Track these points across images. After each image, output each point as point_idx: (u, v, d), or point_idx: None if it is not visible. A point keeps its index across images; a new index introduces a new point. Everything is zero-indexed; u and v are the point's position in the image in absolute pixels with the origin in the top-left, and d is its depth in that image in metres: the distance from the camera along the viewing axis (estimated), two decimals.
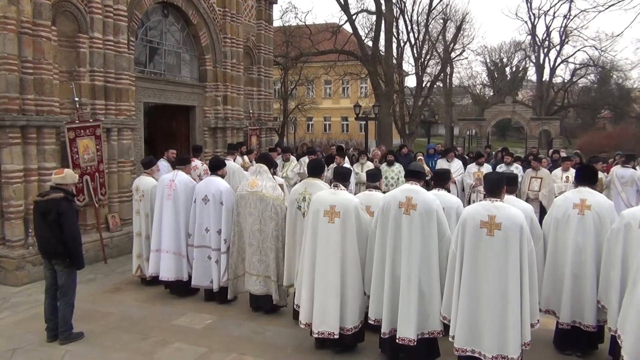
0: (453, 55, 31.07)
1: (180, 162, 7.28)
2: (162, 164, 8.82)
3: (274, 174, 6.35)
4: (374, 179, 5.46)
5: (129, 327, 5.69)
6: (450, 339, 4.25)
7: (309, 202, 5.24)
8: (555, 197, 6.66)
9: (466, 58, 57.31)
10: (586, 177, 5.10)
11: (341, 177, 5.15)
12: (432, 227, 4.44)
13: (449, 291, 4.32)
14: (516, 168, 10.54)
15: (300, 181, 6.19)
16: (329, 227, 4.79)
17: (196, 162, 8.77)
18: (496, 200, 4.15)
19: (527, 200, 9.39)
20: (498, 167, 10.81)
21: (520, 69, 44.72)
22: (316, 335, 4.81)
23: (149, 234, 6.93)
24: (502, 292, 3.99)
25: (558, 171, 9.99)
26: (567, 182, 9.47)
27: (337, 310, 4.70)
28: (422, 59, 28.32)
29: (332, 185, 5.06)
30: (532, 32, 39.70)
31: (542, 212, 8.81)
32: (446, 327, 4.41)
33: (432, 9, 27.70)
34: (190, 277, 6.53)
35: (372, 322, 4.65)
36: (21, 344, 5.21)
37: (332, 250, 4.77)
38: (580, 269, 4.78)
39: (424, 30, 27.93)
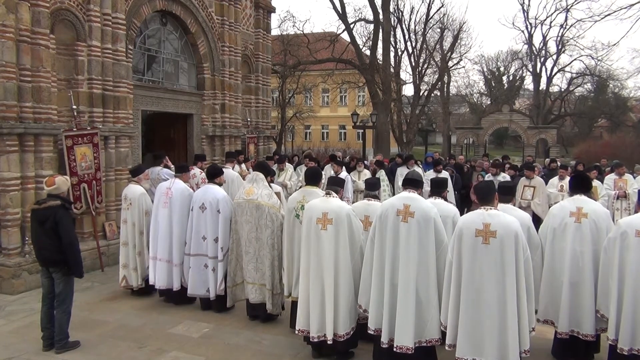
0: (450, 64, 31.19)
1: (179, 170, 7.28)
2: (165, 171, 8.82)
3: (271, 182, 6.36)
4: (373, 188, 5.44)
5: (126, 335, 5.67)
6: (447, 348, 4.24)
7: None
8: (551, 205, 6.67)
9: (463, 67, 57.44)
10: (580, 185, 5.12)
11: (334, 185, 5.17)
12: (430, 234, 4.44)
13: (446, 299, 4.32)
14: (503, 177, 10.59)
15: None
16: (321, 234, 4.80)
17: (195, 170, 8.77)
18: (490, 208, 4.17)
19: (520, 209, 9.42)
20: (486, 176, 11.02)
21: (517, 77, 44.91)
22: (315, 340, 4.81)
23: (135, 243, 6.88)
24: (500, 299, 4.00)
25: (555, 179, 10.04)
26: (562, 190, 9.50)
27: (330, 316, 4.71)
28: (420, 68, 28.47)
29: (325, 192, 5.08)
30: (529, 42, 40.04)
31: (534, 221, 8.84)
32: (443, 336, 4.40)
33: (430, 18, 27.91)
34: (181, 286, 6.49)
35: (372, 332, 4.62)
36: (17, 353, 5.18)
37: (325, 256, 4.78)
38: (578, 277, 4.78)
39: (421, 39, 28.11)
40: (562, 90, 42.44)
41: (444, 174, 10.93)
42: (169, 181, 6.88)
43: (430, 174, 10.83)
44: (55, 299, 5.18)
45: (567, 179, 9.57)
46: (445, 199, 5.38)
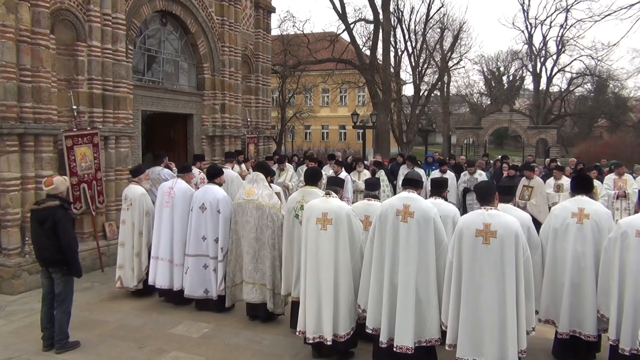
0: (450, 64, 31.21)
1: (182, 170, 7.28)
2: (166, 171, 8.81)
3: (270, 182, 6.35)
4: (373, 188, 5.44)
5: (126, 335, 5.67)
6: (447, 348, 4.24)
7: None
8: (549, 206, 6.65)
9: (463, 67, 57.41)
10: (582, 185, 5.12)
11: (334, 185, 5.17)
12: (430, 234, 4.44)
13: (447, 299, 4.33)
14: (479, 175, 10.95)
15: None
16: (321, 234, 4.80)
17: (194, 171, 8.75)
18: (490, 209, 4.18)
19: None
20: (463, 174, 11.43)
21: (517, 77, 44.92)
22: (310, 342, 4.83)
23: (133, 243, 6.85)
24: (500, 300, 4.00)
25: (551, 180, 10.08)
26: (559, 190, 9.52)
27: (330, 317, 4.70)
28: (420, 68, 28.49)
29: (325, 193, 5.07)
30: (529, 42, 40.07)
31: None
32: (443, 336, 4.40)
33: (430, 18, 27.95)
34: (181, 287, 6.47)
35: (370, 332, 4.62)
36: (17, 353, 5.18)
37: (324, 257, 4.77)
38: (580, 277, 4.78)
39: (421, 39, 28.14)
40: (562, 90, 42.47)
41: (449, 174, 10.95)
42: (171, 181, 6.88)
43: (436, 174, 10.86)
44: (55, 299, 5.18)
45: (563, 179, 9.63)
46: (446, 199, 5.38)
